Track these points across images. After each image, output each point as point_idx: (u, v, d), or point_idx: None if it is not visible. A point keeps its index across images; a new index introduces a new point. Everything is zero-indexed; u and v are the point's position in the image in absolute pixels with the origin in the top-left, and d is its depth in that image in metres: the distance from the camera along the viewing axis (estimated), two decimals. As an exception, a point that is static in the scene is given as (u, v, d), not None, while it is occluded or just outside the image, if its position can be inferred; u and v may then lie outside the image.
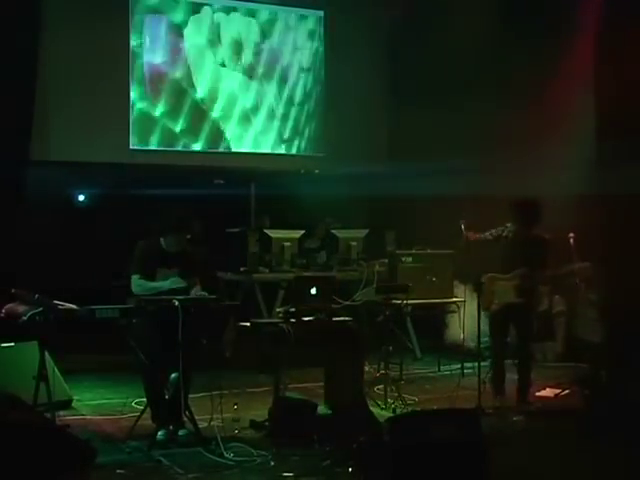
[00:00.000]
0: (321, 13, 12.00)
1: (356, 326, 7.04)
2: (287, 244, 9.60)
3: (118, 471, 5.58)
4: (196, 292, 6.50)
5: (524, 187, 9.44)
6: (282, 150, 11.83)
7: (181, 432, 6.31)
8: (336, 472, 5.51)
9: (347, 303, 8.28)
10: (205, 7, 11.27)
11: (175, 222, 6.53)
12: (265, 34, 11.66)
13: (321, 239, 10.72)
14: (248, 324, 6.97)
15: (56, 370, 6.87)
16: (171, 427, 6.29)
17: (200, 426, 6.22)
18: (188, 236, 6.62)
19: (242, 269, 9.54)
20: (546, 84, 9.71)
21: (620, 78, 9.08)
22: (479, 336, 7.85)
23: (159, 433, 6.17)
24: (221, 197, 11.06)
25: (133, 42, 10.76)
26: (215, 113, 11.33)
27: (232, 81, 11.43)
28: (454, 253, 9.35)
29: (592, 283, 8.71)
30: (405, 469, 4.84)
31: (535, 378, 8.49)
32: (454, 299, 9.52)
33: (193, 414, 6.24)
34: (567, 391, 7.77)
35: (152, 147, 10.94)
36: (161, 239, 6.52)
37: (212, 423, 6.19)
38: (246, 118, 11.53)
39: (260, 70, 11.62)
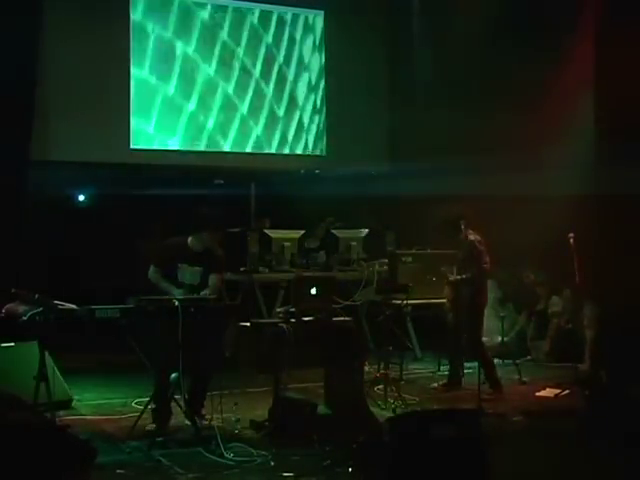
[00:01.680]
0: (321, 13, 11.99)
1: (356, 326, 7.03)
2: (287, 244, 9.61)
3: (118, 471, 5.58)
4: (202, 293, 6.52)
5: (524, 187, 9.48)
6: (283, 150, 11.82)
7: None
8: (336, 472, 5.50)
9: (347, 303, 8.30)
10: (205, 7, 11.26)
11: (205, 222, 6.74)
12: (265, 34, 11.64)
13: (321, 239, 10.73)
14: (248, 324, 6.97)
15: (56, 370, 6.87)
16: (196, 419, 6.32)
17: (200, 426, 6.22)
18: (211, 236, 6.70)
19: (242, 269, 9.54)
20: (546, 84, 9.71)
21: (620, 78, 9.08)
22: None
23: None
24: (221, 197, 11.05)
25: (133, 41, 10.75)
26: (216, 112, 11.31)
27: (232, 82, 11.42)
28: (454, 253, 9.35)
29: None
30: (405, 469, 4.84)
31: (535, 378, 8.56)
32: (454, 299, 9.51)
33: (193, 414, 6.25)
34: (567, 391, 7.77)
35: (153, 147, 10.93)
36: (189, 238, 6.72)
37: (212, 423, 6.19)
38: (247, 119, 11.51)
39: (260, 71, 11.60)
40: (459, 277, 7.95)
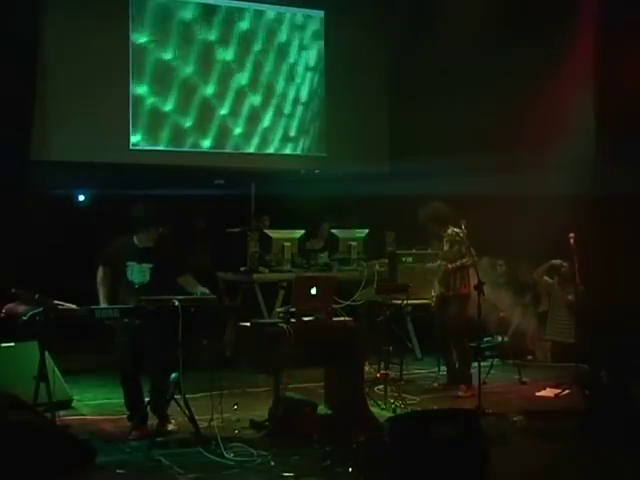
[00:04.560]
0: (322, 13, 11.98)
1: (356, 326, 7.03)
2: (287, 244, 9.60)
3: (118, 471, 5.58)
4: (201, 292, 6.51)
5: (524, 187, 9.48)
6: (283, 150, 11.80)
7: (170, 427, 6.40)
8: (336, 472, 5.50)
9: (347, 303, 8.29)
10: (207, 7, 11.24)
11: (143, 219, 6.58)
12: (266, 34, 11.62)
13: (325, 240, 10.72)
14: (248, 324, 6.97)
15: (56, 370, 6.88)
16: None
17: (200, 426, 6.22)
18: (159, 229, 6.62)
19: (242, 269, 9.54)
20: (546, 84, 9.71)
21: (620, 78, 9.08)
22: (479, 336, 7.88)
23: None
24: (221, 197, 11.05)
25: (134, 40, 10.73)
26: (217, 113, 11.31)
27: (233, 82, 11.41)
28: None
29: (568, 280, 8.86)
30: (405, 469, 4.84)
31: (535, 378, 8.56)
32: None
33: (193, 414, 6.25)
34: (567, 391, 7.77)
35: (155, 146, 10.92)
36: (134, 236, 6.60)
37: (212, 423, 6.19)
38: (248, 119, 11.50)
39: (262, 70, 11.59)
40: (455, 265, 8.01)
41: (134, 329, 6.24)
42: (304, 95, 11.92)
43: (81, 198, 11.37)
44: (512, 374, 8.60)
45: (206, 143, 11.25)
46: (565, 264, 9.29)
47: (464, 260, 7.98)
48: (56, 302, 6.07)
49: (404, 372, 8.44)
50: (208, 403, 6.23)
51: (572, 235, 8.04)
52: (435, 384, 8.27)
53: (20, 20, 9.50)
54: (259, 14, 11.59)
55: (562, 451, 6.03)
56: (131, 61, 10.70)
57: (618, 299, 8.67)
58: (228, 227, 10.18)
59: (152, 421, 6.40)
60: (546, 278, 9.85)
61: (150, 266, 6.51)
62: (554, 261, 9.66)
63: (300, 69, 11.89)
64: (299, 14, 11.88)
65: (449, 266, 8.04)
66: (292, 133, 11.85)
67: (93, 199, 11.32)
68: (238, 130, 11.45)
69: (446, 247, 8.13)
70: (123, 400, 6.61)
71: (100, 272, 6.61)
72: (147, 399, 6.47)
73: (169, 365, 6.12)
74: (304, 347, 6.55)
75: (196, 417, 6.24)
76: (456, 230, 8.03)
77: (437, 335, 8.36)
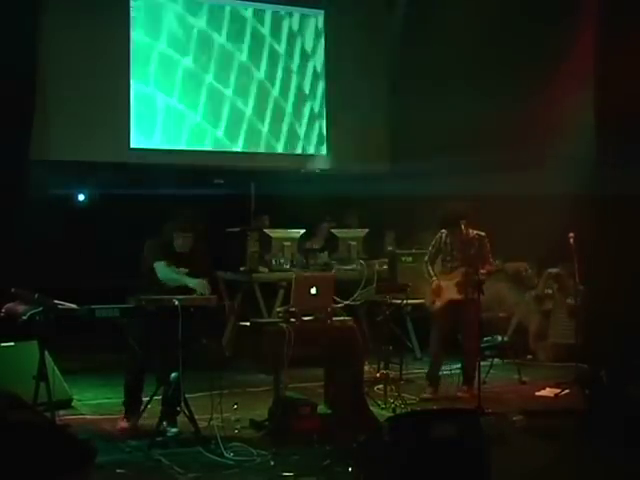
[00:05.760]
0: (322, 13, 11.98)
1: (356, 326, 7.03)
2: (287, 244, 9.60)
3: (118, 470, 5.58)
4: (200, 292, 6.51)
5: (524, 186, 9.49)
6: (283, 150, 11.79)
7: (173, 430, 6.36)
8: (336, 472, 5.51)
9: (347, 303, 8.28)
10: (205, 6, 11.24)
11: (182, 223, 6.63)
12: (265, 34, 11.62)
13: (325, 239, 10.72)
14: (248, 324, 6.97)
15: (56, 370, 6.89)
16: (164, 423, 6.30)
17: (200, 426, 6.22)
18: (189, 235, 6.64)
19: (242, 269, 9.54)
20: (546, 83, 9.72)
21: (620, 77, 9.09)
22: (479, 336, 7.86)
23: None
24: (221, 197, 11.04)
25: (135, 39, 10.73)
26: (217, 113, 11.30)
27: (233, 81, 11.41)
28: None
29: (567, 285, 8.86)
30: (405, 469, 4.84)
31: (535, 378, 8.56)
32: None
33: (193, 414, 6.25)
34: (567, 391, 7.77)
35: (156, 147, 10.92)
36: (172, 240, 6.63)
37: (212, 423, 6.19)
38: (249, 119, 11.49)
39: (263, 70, 11.59)
40: (483, 272, 7.71)
41: (150, 327, 6.23)
42: (304, 94, 11.90)
43: (81, 198, 11.36)
44: (512, 374, 8.60)
45: (207, 143, 11.25)
46: (560, 267, 9.30)
47: (496, 264, 7.88)
48: (56, 302, 6.07)
49: (404, 372, 8.43)
50: (208, 403, 6.23)
51: (572, 235, 8.04)
52: (459, 394, 7.91)
53: (20, 20, 9.50)
54: (260, 13, 11.60)
55: (562, 451, 6.03)
56: (132, 60, 10.70)
57: (618, 299, 8.67)
58: (228, 227, 10.18)
59: (152, 421, 6.39)
60: (547, 290, 9.84)
61: (186, 271, 6.57)
62: (550, 270, 9.65)
63: (300, 68, 11.85)
64: (298, 13, 11.86)
65: (484, 271, 7.70)
66: (292, 133, 11.82)
67: (93, 199, 11.31)
68: (239, 130, 11.43)
69: (472, 250, 7.84)
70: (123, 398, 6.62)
71: (162, 266, 6.52)
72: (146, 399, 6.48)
73: (171, 364, 6.12)
74: (304, 347, 6.55)
75: (196, 417, 6.24)
76: (481, 233, 7.92)
77: (437, 345, 8.05)
